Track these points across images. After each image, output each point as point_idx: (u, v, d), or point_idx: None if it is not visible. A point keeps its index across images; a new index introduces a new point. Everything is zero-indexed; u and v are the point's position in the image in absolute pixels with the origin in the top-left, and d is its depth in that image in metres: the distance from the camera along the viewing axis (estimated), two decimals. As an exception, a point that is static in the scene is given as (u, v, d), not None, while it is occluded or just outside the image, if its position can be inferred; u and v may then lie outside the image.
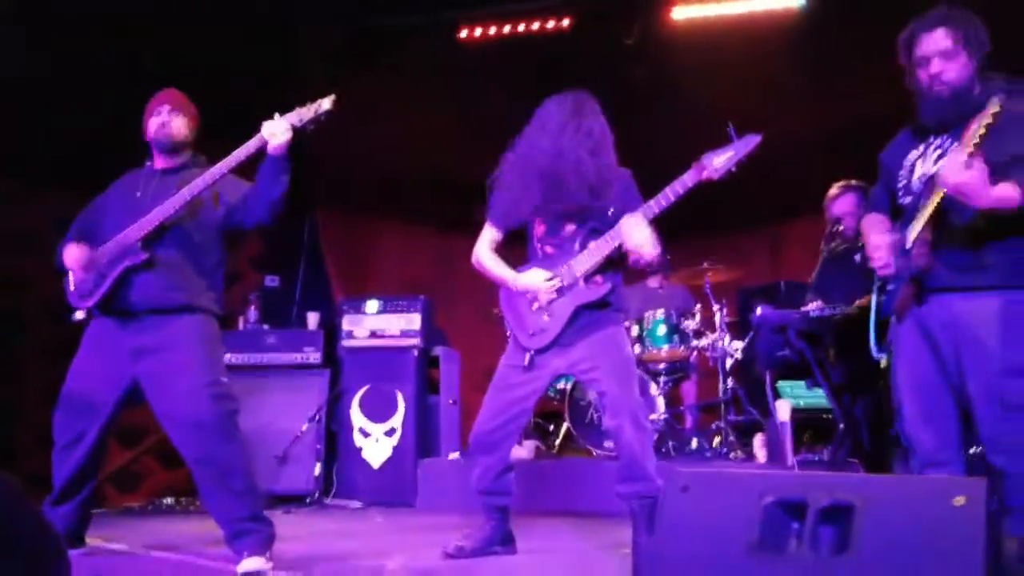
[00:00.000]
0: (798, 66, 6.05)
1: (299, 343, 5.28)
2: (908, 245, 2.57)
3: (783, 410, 4.68)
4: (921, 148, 2.68)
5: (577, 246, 3.14)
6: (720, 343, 5.25)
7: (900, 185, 2.72)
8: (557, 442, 5.39)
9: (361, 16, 6.55)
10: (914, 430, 2.66)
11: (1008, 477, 2.46)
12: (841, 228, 4.09)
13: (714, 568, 1.67)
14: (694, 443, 5.12)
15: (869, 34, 5.60)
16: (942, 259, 2.55)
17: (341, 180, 6.60)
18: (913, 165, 2.68)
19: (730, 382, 5.30)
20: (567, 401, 5.18)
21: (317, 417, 5.08)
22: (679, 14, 6.34)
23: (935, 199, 2.46)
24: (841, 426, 3.98)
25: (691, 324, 5.36)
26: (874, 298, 2.74)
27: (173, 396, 2.96)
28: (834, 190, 4.34)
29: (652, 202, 3.02)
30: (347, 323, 5.26)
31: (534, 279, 3.15)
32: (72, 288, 3.12)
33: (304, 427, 5.03)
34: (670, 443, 5.11)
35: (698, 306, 5.57)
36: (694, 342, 5.31)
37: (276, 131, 2.95)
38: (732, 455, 4.99)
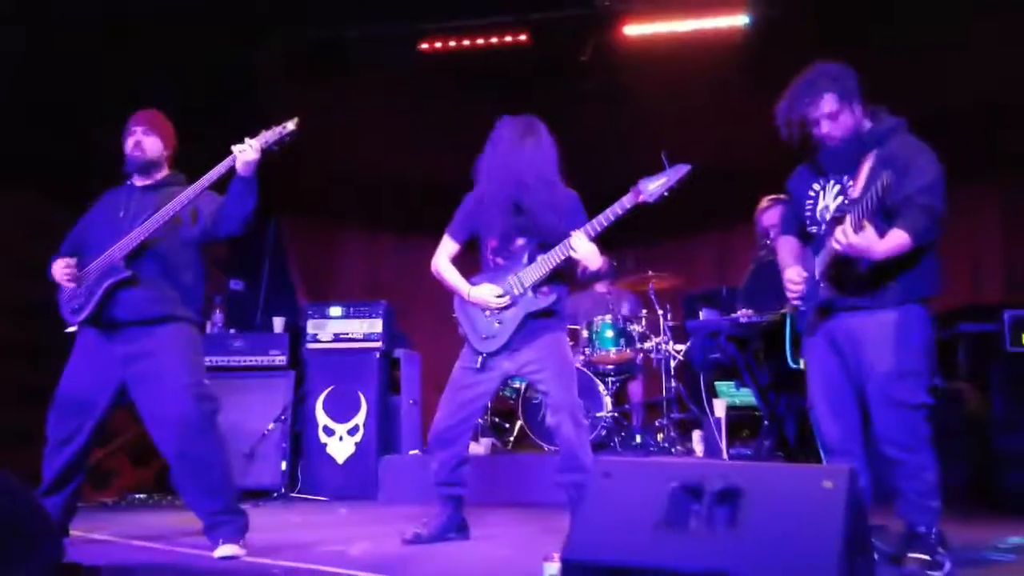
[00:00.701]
0: (743, 81, 6.38)
1: (265, 346, 5.55)
2: (817, 277, 2.94)
3: (719, 408, 5.08)
4: (821, 182, 3.05)
5: (526, 259, 3.47)
6: (663, 346, 5.62)
7: (807, 214, 3.08)
8: (511, 439, 5.73)
9: (325, 26, 6.80)
10: (823, 425, 3.05)
11: (896, 465, 2.85)
12: (770, 240, 4.45)
13: (627, 541, 2.01)
14: (638, 439, 5.48)
15: (809, 51, 6.03)
16: (848, 286, 2.91)
17: (303, 186, 6.78)
18: (816, 197, 3.05)
19: (673, 382, 5.68)
20: (521, 400, 5.51)
21: (283, 416, 5.36)
22: (632, 30, 6.68)
23: (831, 251, 2.80)
24: (766, 423, 4.36)
25: (637, 328, 5.72)
26: (788, 317, 3.12)
27: (158, 397, 3.24)
28: (764, 203, 4.71)
29: (595, 221, 3.35)
30: (312, 327, 5.54)
31: (485, 295, 3.47)
32: (63, 304, 3.37)
33: (271, 426, 5.32)
34: (616, 439, 5.46)
35: (644, 311, 5.93)
36: (639, 345, 5.67)
37: (244, 151, 3.22)
38: (674, 450, 5.36)
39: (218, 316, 5.98)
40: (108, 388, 3.30)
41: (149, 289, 3.30)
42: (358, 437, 5.36)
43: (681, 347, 5.65)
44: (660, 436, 5.57)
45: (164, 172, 3.54)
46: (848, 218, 2.69)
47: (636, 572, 1.99)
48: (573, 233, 3.34)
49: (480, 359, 3.46)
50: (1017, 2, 5.29)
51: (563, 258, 3.38)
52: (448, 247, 3.64)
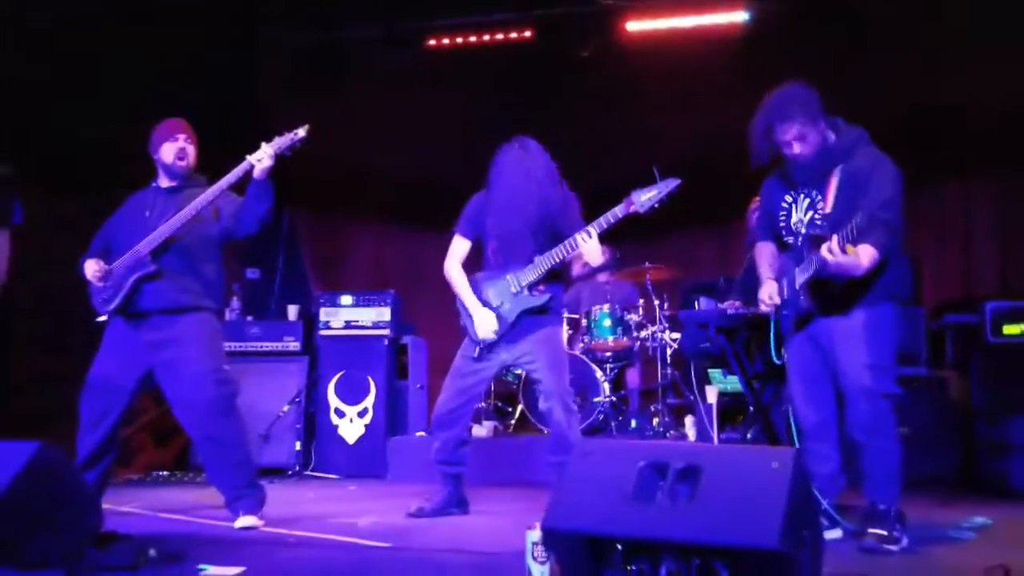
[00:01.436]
0: (743, 75, 6.55)
1: (280, 332, 5.86)
2: (797, 287, 3.20)
3: (711, 394, 5.33)
4: (792, 195, 3.30)
5: (524, 260, 3.73)
6: (659, 334, 5.88)
7: (781, 224, 3.34)
8: (513, 422, 6.01)
9: (336, 25, 7.05)
10: (800, 413, 3.33)
11: (863, 448, 3.12)
12: (760, 239, 4.70)
13: (599, 512, 2.26)
14: (633, 423, 5.75)
15: (807, 46, 6.24)
16: (827, 295, 3.17)
17: (315, 181, 7.07)
18: (789, 209, 3.31)
19: (669, 369, 5.94)
20: (522, 386, 5.79)
21: (297, 399, 5.66)
22: (633, 26, 6.91)
23: (816, 265, 3.04)
24: (751, 409, 4.61)
25: (634, 317, 5.98)
26: (772, 318, 3.39)
27: (183, 382, 3.53)
28: (755, 203, 4.93)
29: (595, 223, 3.60)
30: (324, 314, 5.83)
31: (485, 324, 3.72)
32: (94, 296, 3.66)
33: (285, 408, 5.61)
34: (613, 423, 5.74)
35: (641, 301, 6.18)
36: (635, 333, 5.93)
37: (261, 158, 3.50)
38: (668, 434, 5.63)
39: (235, 303, 6.27)
40: (135, 372, 3.58)
41: (173, 281, 3.58)
42: (367, 419, 5.65)
43: (677, 336, 5.89)
44: (655, 421, 5.83)
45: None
46: (835, 239, 2.90)
47: (606, 539, 2.26)
48: (580, 232, 3.59)
49: (478, 350, 3.74)
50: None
51: (566, 255, 3.64)
52: (460, 247, 3.90)
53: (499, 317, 3.72)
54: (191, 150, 3.76)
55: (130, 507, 4.04)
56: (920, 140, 6.16)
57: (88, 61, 5.38)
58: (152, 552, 2.70)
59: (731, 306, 4.57)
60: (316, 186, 7.18)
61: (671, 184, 3.47)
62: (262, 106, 6.74)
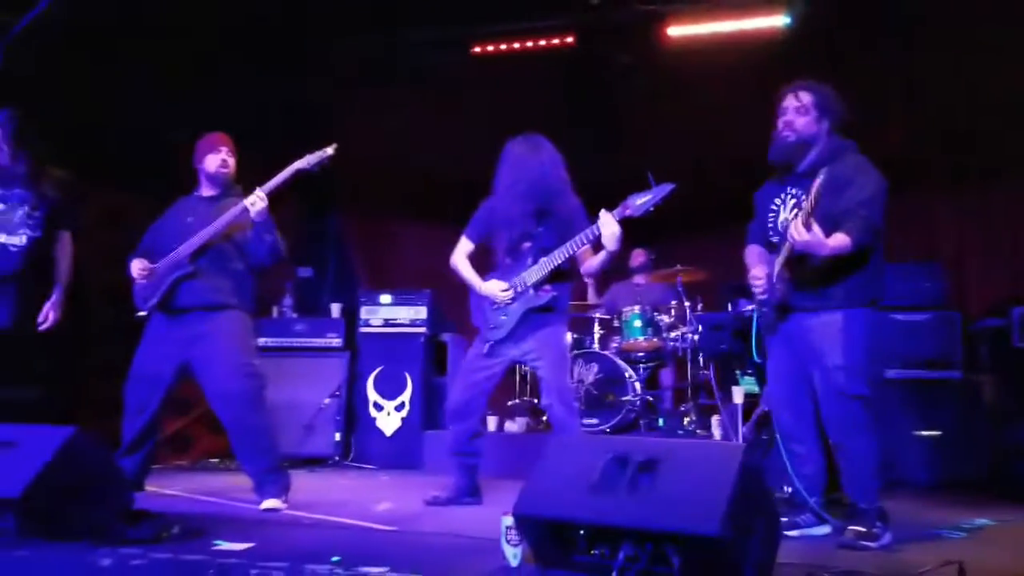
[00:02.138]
0: (784, 79, 6.65)
1: (323, 329, 6.17)
2: (775, 277, 3.32)
3: (737, 395, 5.43)
4: (781, 195, 3.42)
5: (530, 260, 3.93)
6: (689, 335, 5.99)
7: (770, 225, 3.46)
8: (545, 419, 6.18)
9: (384, 31, 7.30)
10: (779, 415, 3.44)
11: (839, 448, 3.23)
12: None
13: (566, 500, 2.45)
14: (661, 422, 5.88)
15: (849, 50, 6.26)
16: (801, 289, 3.29)
17: (366, 182, 7.30)
18: (777, 210, 3.42)
19: (701, 369, 6.04)
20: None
21: (338, 392, 5.96)
22: (674, 31, 6.99)
23: (787, 248, 3.18)
24: (765, 409, 4.70)
25: (665, 318, 6.10)
26: (755, 317, 3.51)
27: (215, 375, 3.83)
28: None
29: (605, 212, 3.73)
30: (364, 312, 6.13)
31: (493, 288, 3.94)
32: (137, 292, 3.99)
33: (327, 401, 5.92)
34: (642, 422, 5.87)
35: (674, 302, 6.30)
36: (666, 334, 6.05)
37: (254, 202, 3.80)
38: (697, 432, 5.74)
39: (288, 300, 6.61)
40: (173, 364, 3.89)
41: (208, 281, 3.89)
42: (404, 413, 5.92)
43: (709, 337, 5.99)
44: (686, 420, 5.94)
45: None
46: (798, 217, 3.05)
47: (570, 525, 2.44)
48: (602, 213, 3.68)
49: (488, 346, 3.95)
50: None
51: (568, 256, 3.80)
52: (464, 247, 4.16)
53: (507, 315, 3.92)
54: (232, 162, 4.07)
55: (173, 490, 4.36)
56: (965, 143, 6.14)
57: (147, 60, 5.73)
58: (176, 528, 2.96)
59: (747, 308, 4.69)
60: (365, 188, 7.42)
61: (665, 189, 3.61)
62: (318, 107, 7.03)
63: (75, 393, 5.75)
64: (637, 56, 7.12)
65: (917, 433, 5.25)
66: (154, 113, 5.71)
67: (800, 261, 3.23)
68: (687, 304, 6.07)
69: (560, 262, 3.84)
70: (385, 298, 6.10)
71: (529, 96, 7.15)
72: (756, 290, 3.43)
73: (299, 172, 3.85)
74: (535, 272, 3.88)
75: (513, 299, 3.91)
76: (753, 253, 3.55)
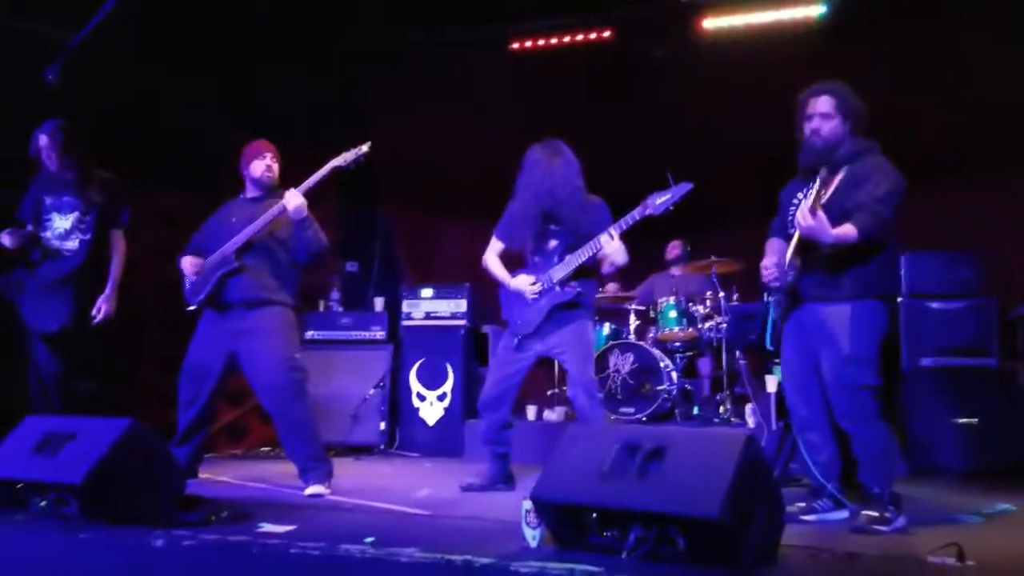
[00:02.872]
0: (820, 70, 6.67)
1: (368, 323, 6.41)
2: (787, 264, 3.43)
3: (771, 384, 5.54)
4: (803, 191, 3.52)
5: (556, 258, 4.10)
6: (723, 325, 6.08)
7: (790, 219, 3.56)
8: (580, 408, 6.33)
9: (425, 28, 7.47)
10: (792, 403, 3.55)
11: (851, 437, 3.33)
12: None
13: (579, 485, 2.61)
14: (696, 410, 5.99)
15: (883, 43, 6.26)
16: (812, 278, 3.40)
17: (410, 178, 7.50)
18: (798, 204, 3.52)
19: (738, 359, 6.12)
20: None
21: (382, 383, 6.19)
22: (710, 24, 7.06)
23: (797, 235, 3.30)
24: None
25: (700, 309, 6.20)
26: (768, 304, 3.62)
27: (260, 368, 4.06)
28: None
29: (615, 225, 3.93)
30: (407, 306, 6.36)
31: (522, 283, 4.12)
32: (187, 288, 4.24)
33: (371, 391, 6.15)
34: (677, 411, 5.99)
35: (709, 292, 6.38)
36: (701, 324, 6.15)
37: (292, 200, 4.00)
38: (732, 421, 5.84)
39: (335, 294, 6.86)
40: (221, 358, 4.13)
41: (253, 277, 4.12)
42: (446, 403, 6.13)
43: (743, 327, 6.07)
44: (721, 409, 6.03)
45: None
46: (805, 204, 3.19)
47: (583, 508, 2.60)
48: (604, 233, 3.94)
49: (517, 340, 4.12)
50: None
51: (591, 255, 3.98)
52: (495, 246, 4.36)
53: (535, 311, 4.08)
54: (276, 167, 4.30)
55: (225, 477, 4.62)
56: (1003, 132, 6.11)
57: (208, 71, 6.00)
58: (224, 513, 3.20)
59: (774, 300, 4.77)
60: (409, 184, 7.63)
61: (684, 188, 3.74)
62: (356, 104, 7.24)
63: (132, 386, 6.10)
64: (673, 49, 7.20)
65: (954, 421, 5.29)
66: (204, 116, 5.99)
67: (810, 249, 3.34)
68: (722, 295, 6.15)
69: (584, 260, 4.00)
70: (426, 292, 6.32)
71: (566, 91, 7.28)
72: (766, 277, 3.54)
73: (336, 169, 4.05)
74: (560, 270, 4.05)
75: (540, 295, 4.07)
76: (772, 247, 3.66)
